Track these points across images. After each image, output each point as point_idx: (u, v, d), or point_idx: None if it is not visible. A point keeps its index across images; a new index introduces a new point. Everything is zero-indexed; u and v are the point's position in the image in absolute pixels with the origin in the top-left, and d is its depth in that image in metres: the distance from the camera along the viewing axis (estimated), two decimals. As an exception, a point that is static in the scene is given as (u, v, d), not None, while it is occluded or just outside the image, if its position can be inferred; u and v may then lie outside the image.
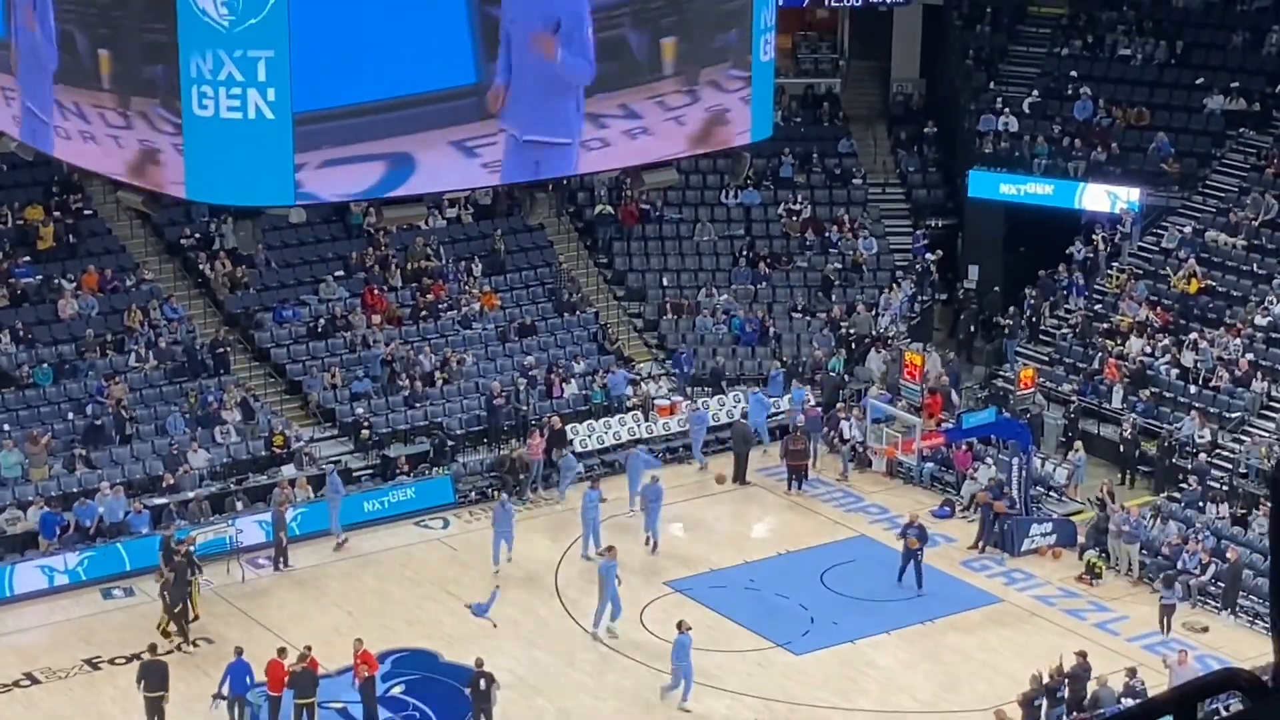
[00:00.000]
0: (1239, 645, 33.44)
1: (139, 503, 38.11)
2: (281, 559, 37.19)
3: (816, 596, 36.00)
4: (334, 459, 41.26)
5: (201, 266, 45.57)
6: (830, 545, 38.37)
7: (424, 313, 45.83)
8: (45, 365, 41.31)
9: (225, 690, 31.07)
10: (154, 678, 30.57)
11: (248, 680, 31.08)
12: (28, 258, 43.94)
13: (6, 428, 39.52)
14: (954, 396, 43.42)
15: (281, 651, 31.37)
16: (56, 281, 43.48)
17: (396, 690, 32.23)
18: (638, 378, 45.37)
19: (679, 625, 31.78)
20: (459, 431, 42.78)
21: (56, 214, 45.11)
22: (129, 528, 37.49)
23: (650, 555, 37.65)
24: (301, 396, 43.44)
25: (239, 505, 38.83)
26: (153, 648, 31.71)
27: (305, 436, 41.66)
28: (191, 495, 38.82)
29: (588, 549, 37.67)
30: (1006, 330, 47.74)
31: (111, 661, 33.50)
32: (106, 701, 32.16)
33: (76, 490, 38.21)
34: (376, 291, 45.70)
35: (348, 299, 45.57)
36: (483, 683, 30.71)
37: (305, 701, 30.64)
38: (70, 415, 40.42)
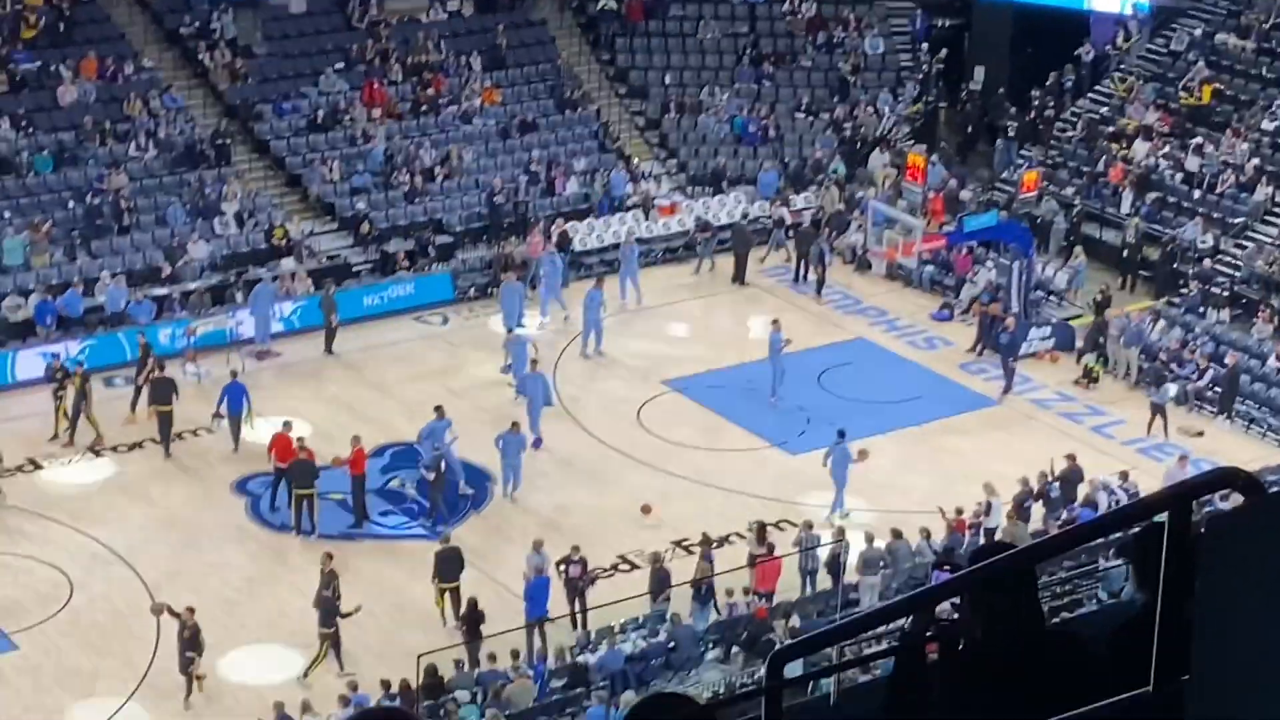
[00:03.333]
0: (1235, 450, 33.63)
1: (140, 292, 38.16)
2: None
3: (814, 397, 36.14)
4: (333, 253, 41.21)
5: (201, 56, 45.12)
6: (829, 347, 38.44)
7: (424, 107, 45.49)
8: (45, 153, 41.09)
9: (223, 409, 33.56)
10: (162, 390, 33.48)
11: (244, 400, 33.49)
12: (24, 44, 43.46)
13: (7, 215, 39.43)
14: (962, 197, 43.27)
15: (287, 425, 31.71)
16: (55, 68, 43.07)
17: (395, 483, 32.49)
18: (641, 175, 45.16)
19: (513, 426, 32.08)
20: (459, 228, 42.67)
21: None
22: (130, 317, 37.55)
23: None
24: (301, 189, 43.27)
25: (239, 297, 38.85)
26: (160, 364, 34.09)
27: (305, 230, 41.56)
28: (192, 286, 38.86)
29: (586, 348, 37.80)
30: (1009, 132, 47.40)
31: (114, 449, 33.76)
32: (113, 489, 32.48)
33: (77, 280, 38.20)
34: (377, 85, 45.30)
35: (348, 92, 45.17)
36: (442, 464, 31.47)
37: (305, 492, 30.90)
38: (71, 204, 40.30)
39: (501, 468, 32.26)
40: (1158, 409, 34.82)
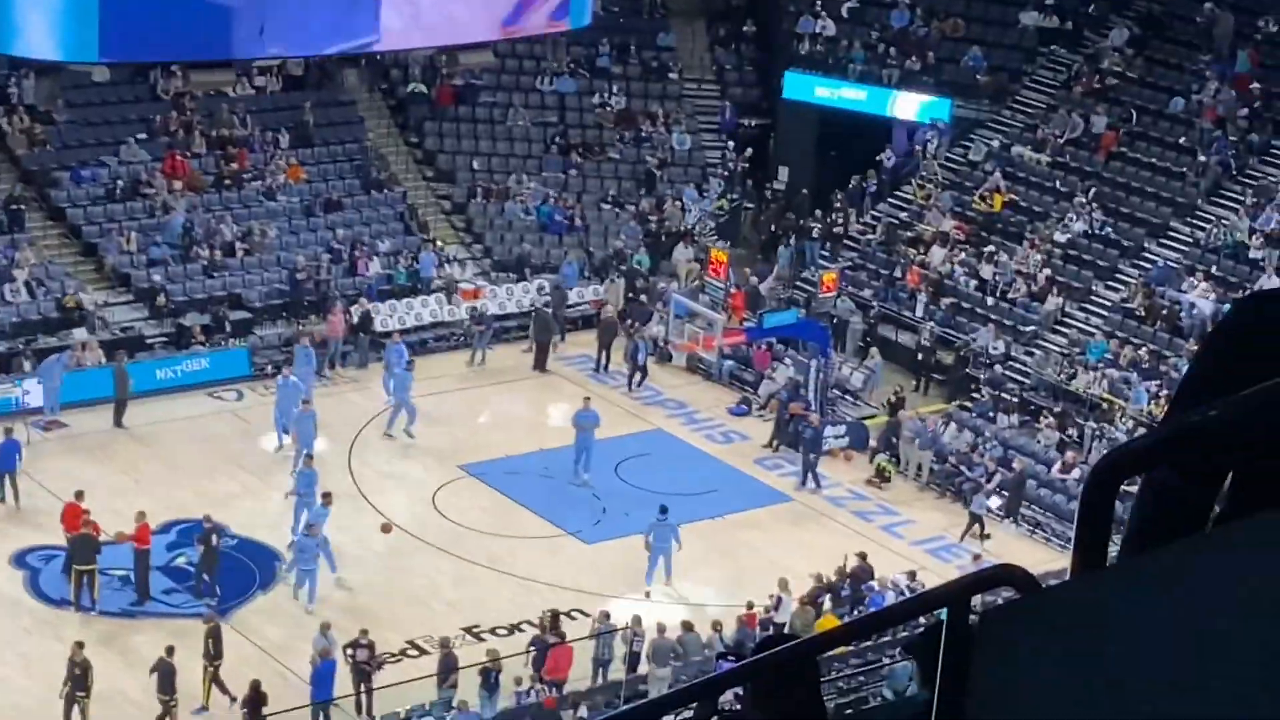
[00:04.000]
0: (1020, 553, 34.03)
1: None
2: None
3: (610, 487, 36.14)
4: (127, 325, 40.55)
5: (-1, 120, 44.33)
6: (627, 437, 38.49)
7: (227, 181, 45.05)
8: None
9: None
10: None
11: (16, 458, 33.38)
12: None
13: None
14: (761, 294, 43.71)
15: (79, 495, 31.07)
16: None
17: (181, 560, 31.89)
18: (445, 259, 45.06)
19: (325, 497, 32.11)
20: (258, 304, 42.22)
21: None
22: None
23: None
24: (97, 259, 42.55)
25: (26, 366, 38.04)
26: None
27: (100, 301, 40.86)
28: (-22, 353, 38.02)
29: (393, 427, 37.54)
30: (812, 233, 48.00)
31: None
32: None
33: None
34: (179, 157, 44.77)
35: (149, 163, 44.59)
36: (214, 538, 30.92)
37: (86, 568, 30.22)
38: None
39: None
40: (976, 518, 35.19)
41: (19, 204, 42.14)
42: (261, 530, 32.51)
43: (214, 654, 27.90)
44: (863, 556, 32.03)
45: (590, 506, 35.29)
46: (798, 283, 46.08)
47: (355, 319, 41.31)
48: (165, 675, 27.21)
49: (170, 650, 27.71)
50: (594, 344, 42.55)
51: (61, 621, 30.01)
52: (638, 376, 40.94)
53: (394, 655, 29.36)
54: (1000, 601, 4.03)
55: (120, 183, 43.72)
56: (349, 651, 28.09)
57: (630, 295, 44.52)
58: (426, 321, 42.73)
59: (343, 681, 27.85)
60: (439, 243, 45.78)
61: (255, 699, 26.80)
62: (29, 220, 42.32)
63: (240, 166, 45.44)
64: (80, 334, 39.33)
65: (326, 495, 31.71)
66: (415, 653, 29.71)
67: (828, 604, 30.77)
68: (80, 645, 27.15)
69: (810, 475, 36.87)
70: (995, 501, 35.73)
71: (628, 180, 49.46)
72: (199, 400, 38.52)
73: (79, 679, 26.70)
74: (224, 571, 31.53)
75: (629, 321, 43.50)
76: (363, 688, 28.14)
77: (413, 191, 47.88)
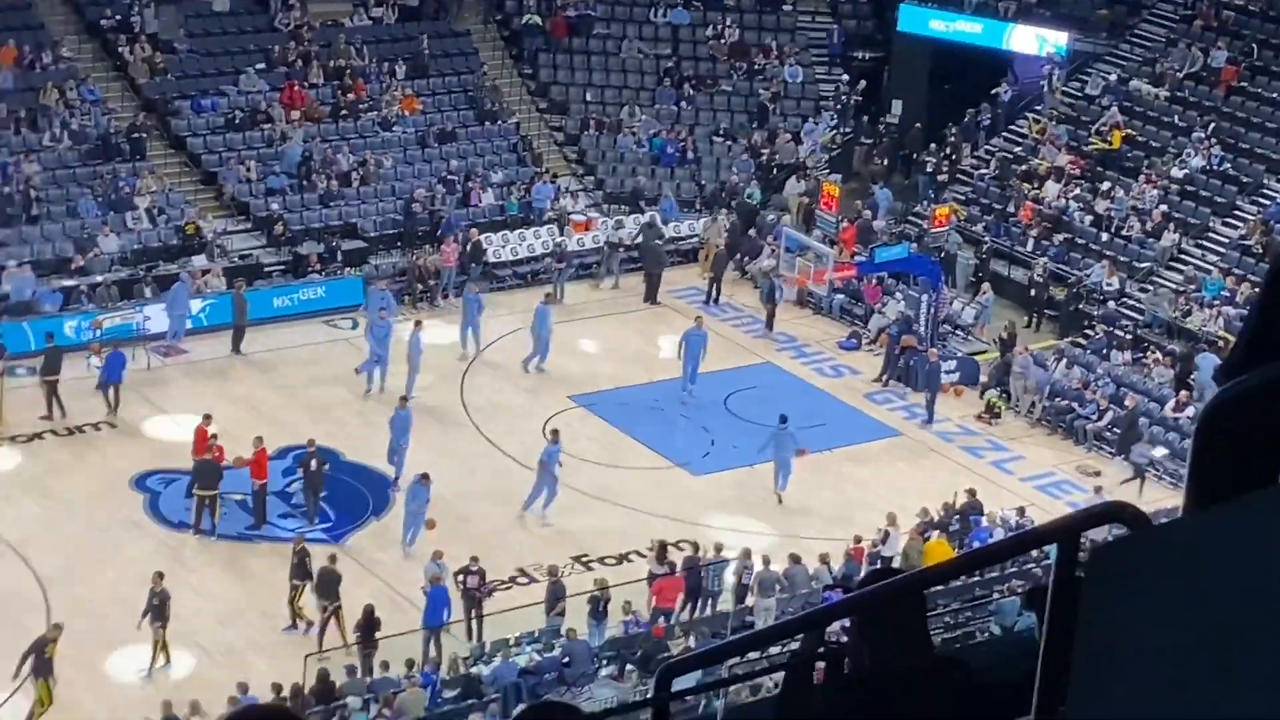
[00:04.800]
0: (1130, 492, 33.97)
1: (49, 282, 37.85)
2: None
3: (719, 419, 36.28)
4: (245, 252, 41.04)
5: (121, 49, 44.83)
6: (736, 370, 38.57)
7: (344, 112, 45.39)
8: (-43, 138, 40.77)
9: (102, 378, 34.28)
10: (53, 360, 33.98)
11: (122, 371, 34.27)
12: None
13: (-86, 199, 39.06)
14: (873, 228, 43.59)
15: (207, 418, 31.57)
16: (-29, 53, 42.72)
17: (296, 485, 32.32)
18: (559, 192, 45.21)
19: (553, 435, 32.17)
20: (373, 234, 42.58)
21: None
22: (36, 306, 37.23)
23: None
24: (216, 188, 43.07)
25: (147, 292, 38.60)
26: None
27: (219, 228, 41.35)
28: (100, 279, 38.57)
29: (530, 363, 37.82)
30: (925, 167, 47.78)
31: (13, 439, 33.47)
32: (9, 479, 32.19)
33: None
34: (297, 87, 45.16)
35: (268, 92, 45.01)
36: (314, 463, 31.31)
37: (208, 493, 30.68)
38: (-20, 190, 39.99)
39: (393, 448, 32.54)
40: (1138, 469, 34.88)
41: (141, 132, 42.66)
42: (375, 457, 32.89)
43: (301, 576, 28.28)
44: (971, 493, 32.01)
45: (699, 438, 35.44)
46: (909, 217, 45.89)
47: (467, 249, 41.57)
48: (328, 583, 27.74)
49: (333, 558, 28.46)
50: (702, 277, 42.64)
51: (181, 544, 30.57)
52: (771, 316, 40.91)
53: (504, 582, 29.72)
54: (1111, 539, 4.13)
55: (239, 112, 44.17)
56: (460, 578, 28.42)
57: (741, 229, 44.48)
58: (538, 253, 42.87)
59: (453, 608, 28.18)
60: (551, 174, 45.93)
61: (368, 623, 27.19)
62: (150, 148, 42.85)
63: (357, 97, 45.77)
64: (199, 261, 39.85)
65: (425, 476, 31.05)
66: (525, 580, 30.04)
67: (935, 539, 30.79)
68: (160, 576, 27.27)
69: (930, 409, 36.87)
70: (1160, 451, 35.20)
71: (740, 113, 49.37)
72: (314, 328, 38.95)
73: (158, 609, 26.88)
74: (338, 497, 32.01)
75: (739, 255, 43.52)
76: (473, 614, 28.50)
77: (526, 123, 48.03)
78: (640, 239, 43.27)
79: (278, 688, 25.11)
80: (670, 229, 44.38)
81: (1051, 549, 4.72)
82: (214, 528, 30.70)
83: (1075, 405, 37.02)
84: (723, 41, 50.77)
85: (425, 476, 30.65)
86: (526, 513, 31.88)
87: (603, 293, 42.41)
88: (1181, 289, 40.68)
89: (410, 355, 35.88)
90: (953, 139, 47.80)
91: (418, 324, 36.79)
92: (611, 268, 42.84)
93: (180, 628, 27.73)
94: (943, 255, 42.44)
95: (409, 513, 30.78)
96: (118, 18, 45.18)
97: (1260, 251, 40.76)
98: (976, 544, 30.34)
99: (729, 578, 29.60)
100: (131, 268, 39.48)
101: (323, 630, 27.86)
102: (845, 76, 50.78)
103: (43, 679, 25.46)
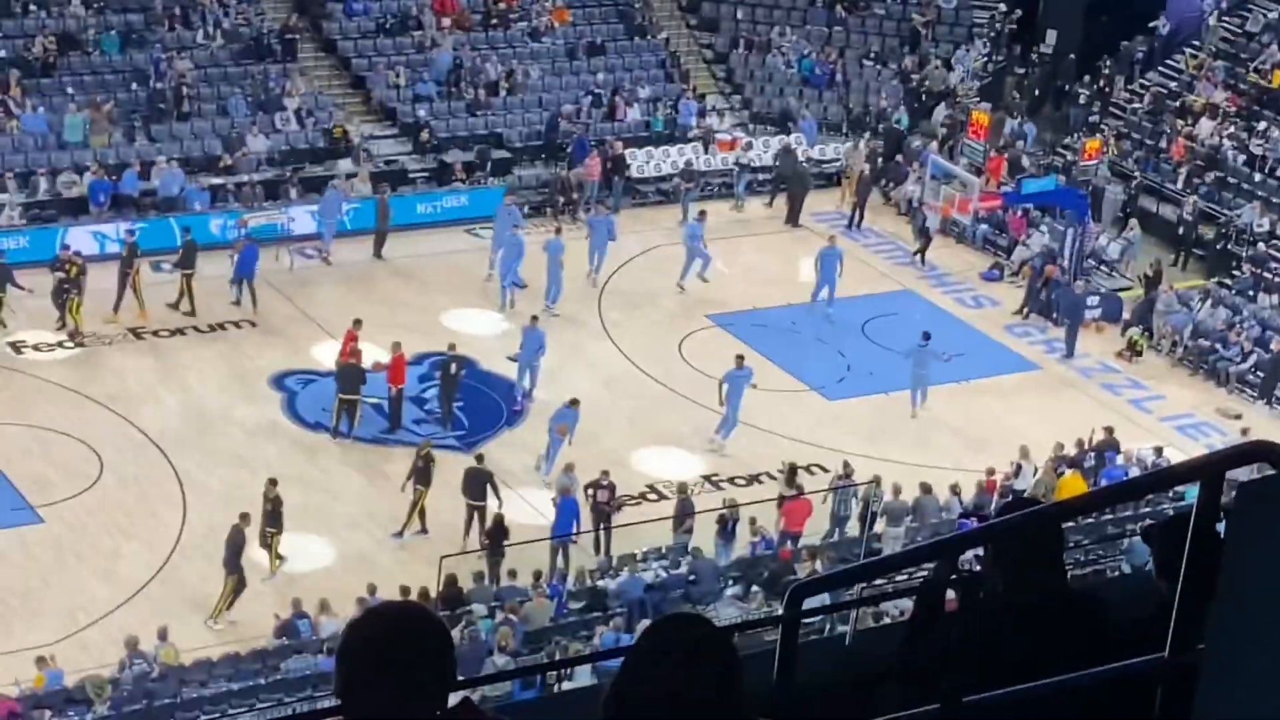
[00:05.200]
0: (1272, 435, 33.49)
1: (197, 180, 38.27)
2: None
3: (856, 345, 36.13)
4: (391, 158, 41.25)
5: (275, -50, 45.12)
6: (875, 296, 38.36)
7: (494, 21, 45.40)
8: (113, 33, 41.17)
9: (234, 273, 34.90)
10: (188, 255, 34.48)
11: (255, 265, 34.93)
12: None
13: (70, 91, 39.53)
14: (1023, 161, 43.05)
15: (357, 323, 31.84)
16: (130, -50, 43.10)
17: (432, 391, 32.55)
18: (704, 109, 45.02)
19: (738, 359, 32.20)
20: (518, 144, 42.62)
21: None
22: (184, 203, 37.67)
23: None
24: (364, 92, 43.27)
25: (293, 193, 38.93)
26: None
27: (365, 133, 41.58)
28: (246, 179, 38.94)
29: (686, 277, 37.80)
30: (1077, 99, 47.11)
31: (155, 334, 33.96)
32: (147, 367, 32.70)
33: (134, 161, 38.38)
34: (449, -6, 45.23)
35: (419, -1, 45.13)
36: (453, 367, 31.57)
37: (350, 398, 30.87)
38: (134, 86, 40.41)
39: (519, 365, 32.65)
40: None
41: (293, 33, 42.92)
42: (511, 367, 33.04)
43: (423, 480, 28.46)
44: (1109, 430, 31.66)
45: (835, 362, 35.30)
46: (1059, 149, 45.30)
47: (610, 163, 41.53)
48: (474, 482, 28.19)
49: (480, 458, 28.79)
50: (844, 202, 42.40)
51: (315, 445, 30.91)
52: (923, 250, 40.50)
53: (633, 498, 29.82)
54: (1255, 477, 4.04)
55: (391, 17, 44.31)
56: (590, 491, 28.56)
57: (887, 154, 44.12)
58: (680, 169, 42.66)
59: (582, 520, 28.33)
60: (698, 91, 45.72)
61: (497, 531, 27.41)
62: (301, 50, 43.12)
63: (507, 6, 45.75)
64: (345, 165, 40.09)
65: (574, 401, 30.86)
66: (654, 497, 30.13)
67: (1069, 474, 30.53)
68: (274, 482, 27.35)
69: (1071, 343, 36.52)
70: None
71: (891, 37, 48.88)
72: (456, 236, 39.09)
73: (271, 514, 27.06)
74: (472, 406, 32.23)
75: (884, 181, 43.18)
76: (601, 527, 28.64)
77: (675, 39, 47.82)
78: (778, 162, 43.01)
79: (405, 590, 25.37)
80: (814, 152, 44.09)
81: (1187, 489, 4.64)
82: (350, 431, 30.98)
83: (1219, 346, 36.49)
84: (878, -36, 50.26)
85: (575, 401, 30.59)
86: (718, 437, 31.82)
87: (744, 212, 42.19)
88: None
89: (549, 265, 35.98)
90: (1107, 71, 47.06)
91: (558, 230, 37.13)
92: (738, 189, 42.50)
93: (312, 528, 28.11)
94: (1091, 189, 41.87)
95: (552, 436, 30.58)
96: (274, -82, 45.44)
97: None
98: (1107, 481, 30.08)
99: (855, 504, 29.53)
100: (278, 168, 39.80)
101: (467, 529, 28.13)
102: (1000, 4, 50.08)
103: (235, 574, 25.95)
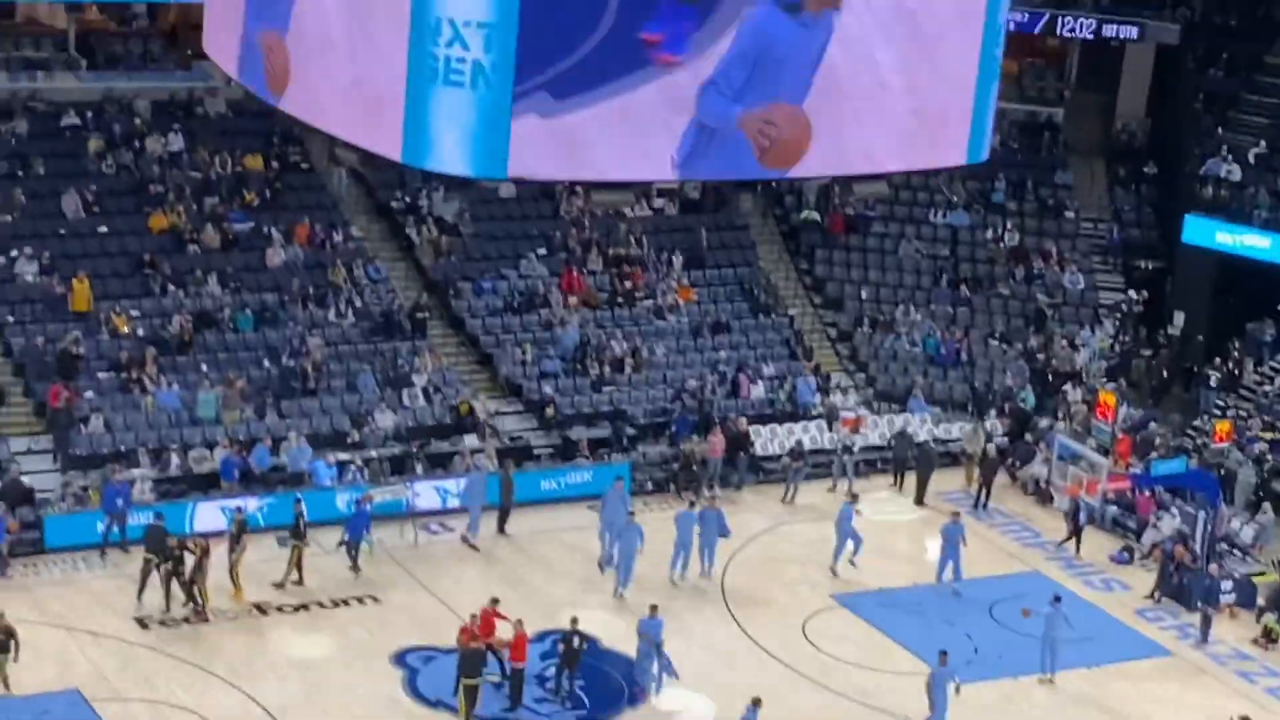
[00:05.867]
0: None
1: (327, 456, 38.66)
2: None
3: (983, 627, 35.58)
4: (517, 434, 41.52)
5: (408, 231, 46.09)
6: (1003, 578, 37.87)
7: (620, 299, 45.98)
8: (248, 311, 42.07)
9: (346, 536, 35.46)
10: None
11: (365, 530, 35.56)
12: (242, 205, 44.67)
13: (205, 368, 40.29)
14: (1153, 441, 42.64)
15: (495, 602, 31.76)
16: (267, 230, 44.19)
17: (553, 670, 32.29)
18: (825, 386, 45.12)
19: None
20: (642, 421, 42.80)
21: (274, 163, 45.88)
22: (312, 478, 38.03)
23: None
24: (491, 369, 43.78)
25: (419, 469, 39.21)
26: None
27: (491, 409, 41.95)
28: (374, 454, 39.31)
29: (838, 561, 37.53)
30: (1207, 380, 46.81)
31: (279, 609, 34.04)
32: (271, 643, 32.71)
33: (265, 436, 38.91)
34: (576, 273, 45.90)
35: (547, 278, 45.82)
36: (576, 640, 31.39)
37: (471, 682, 30.58)
38: (266, 363, 41.13)
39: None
40: None
41: (423, 311, 43.64)
42: (625, 644, 32.75)
43: None
44: (1245, 719, 30.87)
45: (962, 644, 34.74)
46: (1189, 430, 44.89)
47: (735, 440, 41.61)
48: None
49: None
50: (969, 486, 42.10)
51: (436, 721, 30.69)
52: (1072, 540, 39.76)
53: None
54: None
55: (518, 295, 44.99)
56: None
57: (1015, 433, 43.92)
58: (807, 448, 42.57)
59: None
60: (821, 368, 45.87)
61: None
62: (430, 328, 43.78)
63: (634, 285, 46.34)
64: (471, 440, 40.39)
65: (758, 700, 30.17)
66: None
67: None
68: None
69: (1205, 629, 35.81)
70: None
71: (1017, 317, 48.97)
72: (580, 513, 39.08)
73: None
74: (594, 685, 31.91)
75: (1010, 460, 42.92)
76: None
77: (800, 317, 48.16)
78: (892, 444, 42.87)
79: None
80: (939, 431, 43.94)
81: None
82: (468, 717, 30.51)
83: (1358, 634, 35.60)
84: (1002, 245, 50.56)
85: (757, 701, 29.55)
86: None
87: (872, 490, 41.85)
88: None
89: (680, 536, 36.04)
90: (1236, 353, 46.82)
91: (691, 504, 37.57)
92: (844, 470, 42.32)
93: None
94: (1223, 471, 41.36)
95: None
96: (407, 200, 46.52)
97: None
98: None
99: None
100: (405, 444, 40.17)
101: None
102: (1128, 290, 50.08)
103: None
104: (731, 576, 36.83)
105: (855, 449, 42.45)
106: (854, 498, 38.49)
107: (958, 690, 31.19)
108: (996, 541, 39.79)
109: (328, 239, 44.66)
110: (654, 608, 32.16)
